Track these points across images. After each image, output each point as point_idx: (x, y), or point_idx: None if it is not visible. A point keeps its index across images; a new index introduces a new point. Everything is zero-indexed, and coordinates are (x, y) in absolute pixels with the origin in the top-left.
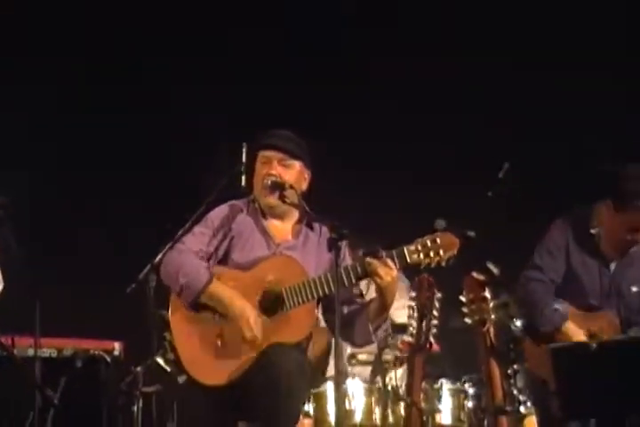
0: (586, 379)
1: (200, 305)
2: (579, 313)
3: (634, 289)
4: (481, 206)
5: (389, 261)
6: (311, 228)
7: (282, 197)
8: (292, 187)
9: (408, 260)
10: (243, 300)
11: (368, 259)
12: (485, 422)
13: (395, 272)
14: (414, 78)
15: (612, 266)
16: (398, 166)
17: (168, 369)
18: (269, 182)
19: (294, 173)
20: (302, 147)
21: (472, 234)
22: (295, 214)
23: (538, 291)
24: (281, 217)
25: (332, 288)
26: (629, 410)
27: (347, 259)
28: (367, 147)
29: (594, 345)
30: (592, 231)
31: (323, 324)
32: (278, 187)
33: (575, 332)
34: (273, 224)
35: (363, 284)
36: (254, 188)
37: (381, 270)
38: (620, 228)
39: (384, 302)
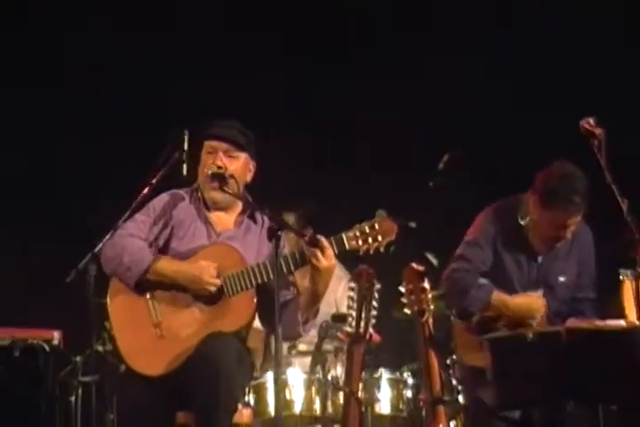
0: (523, 368)
1: (145, 287)
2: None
3: (561, 279)
4: (421, 197)
5: (329, 249)
6: (254, 218)
7: (222, 187)
8: (232, 177)
9: (347, 246)
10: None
11: (306, 246)
12: (424, 412)
13: (333, 259)
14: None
15: (540, 257)
16: (341, 156)
17: (108, 359)
18: (210, 173)
19: (240, 164)
20: (249, 138)
21: (413, 224)
22: (239, 206)
23: (464, 278)
24: (225, 209)
25: (271, 276)
26: (566, 398)
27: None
28: (309, 135)
29: (530, 335)
30: (521, 222)
31: None
32: (219, 177)
33: (505, 298)
34: (216, 214)
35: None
36: (199, 177)
37: (320, 256)
38: (547, 224)
39: (316, 292)
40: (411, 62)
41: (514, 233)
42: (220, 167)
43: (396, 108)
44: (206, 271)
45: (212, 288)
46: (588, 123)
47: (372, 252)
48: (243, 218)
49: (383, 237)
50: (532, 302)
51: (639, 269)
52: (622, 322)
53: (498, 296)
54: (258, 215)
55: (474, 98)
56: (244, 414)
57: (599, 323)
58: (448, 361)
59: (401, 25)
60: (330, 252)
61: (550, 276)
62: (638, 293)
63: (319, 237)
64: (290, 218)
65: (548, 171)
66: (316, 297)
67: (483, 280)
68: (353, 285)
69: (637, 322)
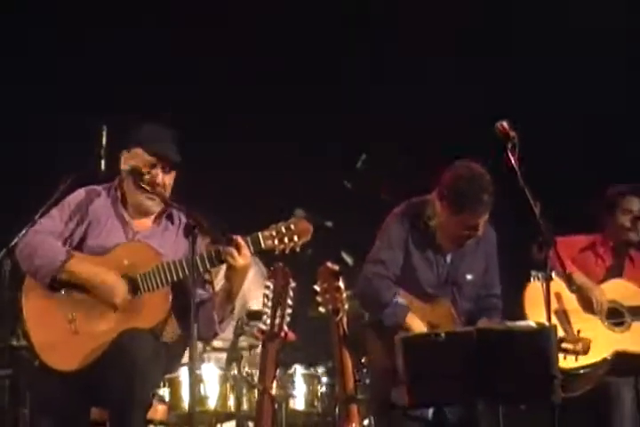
0: (435, 368)
1: (58, 285)
2: (418, 304)
3: (469, 277)
4: (338, 196)
5: (244, 247)
6: (172, 217)
7: (137, 184)
8: (164, 189)
9: (263, 245)
10: (104, 268)
11: (222, 245)
12: (337, 410)
13: (249, 258)
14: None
15: (449, 257)
16: (259, 155)
17: (22, 354)
18: (147, 187)
19: (172, 177)
20: (181, 148)
21: (329, 224)
22: (160, 205)
23: (382, 288)
24: (146, 211)
25: (187, 273)
26: (477, 398)
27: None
28: (226, 133)
29: (442, 335)
30: (429, 223)
31: None
32: (135, 173)
33: (417, 325)
34: (133, 213)
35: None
36: (125, 181)
37: (236, 254)
38: (456, 226)
39: (231, 291)
40: (326, 60)
41: (422, 234)
42: (158, 184)
43: (314, 107)
44: (116, 290)
45: (117, 303)
46: (502, 125)
47: (287, 252)
48: (162, 217)
49: (299, 238)
50: (440, 315)
51: (549, 271)
52: (532, 323)
53: (411, 322)
54: (175, 214)
55: (389, 98)
56: (158, 410)
57: (509, 323)
58: (363, 360)
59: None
60: (246, 251)
61: (459, 274)
62: (548, 294)
63: (235, 236)
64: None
65: (453, 174)
66: (230, 296)
67: (401, 300)
68: (268, 283)
69: (547, 323)
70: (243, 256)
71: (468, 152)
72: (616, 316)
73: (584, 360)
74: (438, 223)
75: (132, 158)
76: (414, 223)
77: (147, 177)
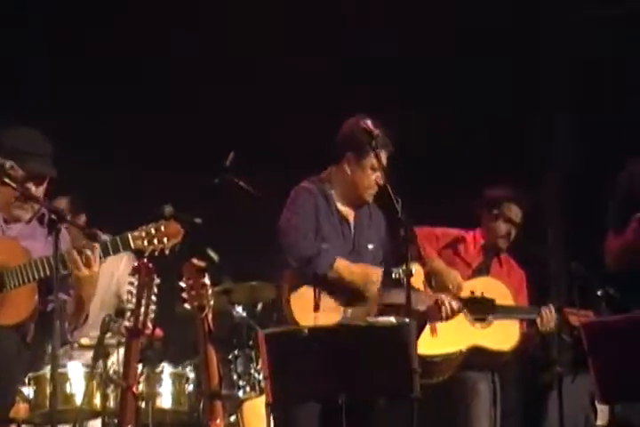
0: (298, 364)
1: None
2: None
3: (370, 247)
4: (207, 193)
5: (91, 255)
6: (43, 215)
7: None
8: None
9: (132, 246)
10: None
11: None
12: (201, 406)
13: (95, 268)
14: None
15: (352, 226)
16: (127, 153)
17: None
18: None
19: (45, 184)
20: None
21: (199, 221)
22: (32, 211)
23: (305, 247)
24: (17, 219)
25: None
26: (340, 391)
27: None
28: (95, 129)
29: (305, 331)
30: (329, 192)
31: None
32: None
33: (348, 264)
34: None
35: None
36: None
37: (80, 263)
38: (363, 174)
39: (81, 299)
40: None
41: (327, 205)
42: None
43: (183, 106)
44: None
45: None
46: (366, 123)
47: (157, 253)
48: (34, 215)
49: (168, 239)
50: (371, 272)
51: (411, 267)
52: (392, 319)
53: (341, 261)
54: (47, 213)
55: (258, 95)
56: (21, 409)
57: (371, 319)
58: (230, 356)
59: None
60: (93, 261)
61: (362, 243)
62: (409, 291)
63: (99, 233)
64: (62, 202)
65: (348, 124)
66: (80, 304)
67: (324, 245)
68: (132, 279)
69: (407, 319)
70: (88, 266)
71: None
72: (481, 311)
73: (440, 349)
74: (343, 187)
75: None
76: (319, 195)
77: (19, 191)
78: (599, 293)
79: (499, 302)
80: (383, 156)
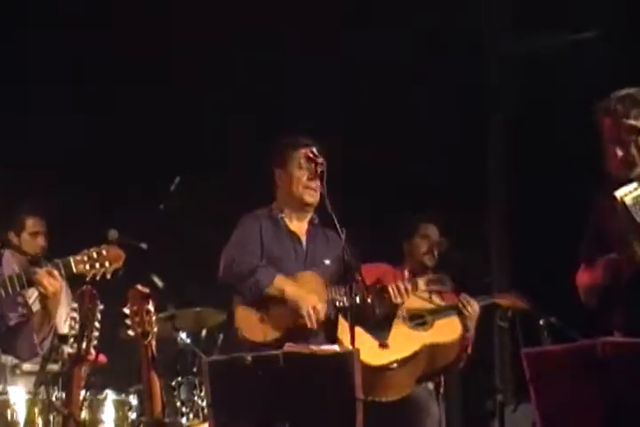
0: (241, 392)
1: None
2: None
3: (327, 262)
4: (152, 218)
5: (54, 271)
6: None
7: None
8: None
9: (74, 269)
10: None
11: (32, 267)
12: None
13: (59, 282)
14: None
15: (304, 242)
16: (75, 174)
17: None
18: None
19: None
20: None
21: (144, 246)
22: None
23: (242, 264)
24: None
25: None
26: (283, 420)
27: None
28: (37, 150)
29: (249, 358)
30: (278, 217)
31: None
32: None
33: (285, 283)
34: None
35: None
36: None
37: (45, 280)
38: (300, 177)
39: (48, 313)
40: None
41: (275, 226)
42: None
43: (128, 129)
44: None
45: None
46: (312, 151)
47: (98, 277)
48: None
49: (110, 264)
50: (304, 297)
51: (354, 297)
52: (336, 347)
53: (280, 280)
54: None
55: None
56: None
57: (314, 347)
58: (174, 383)
59: None
60: (54, 278)
61: (317, 258)
62: (353, 321)
63: (45, 261)
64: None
65: (278, 143)
66: (47, 317)
67: (262, 263)
68: (75, 305)
69: (350, 347)
70: (53, 281)
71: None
72: (417, 318)
73: (395, 355)
74: (285, 199)
75: None
76: (264, 219)
77: None
78: (541, 322)
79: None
80: (304, 153)
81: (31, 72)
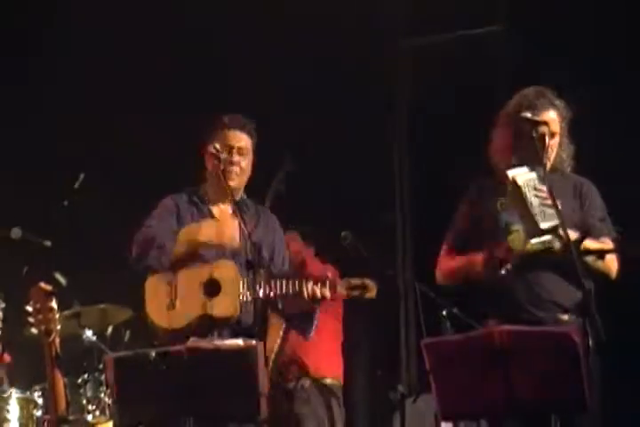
0: (145, 388)
1: None
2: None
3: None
4: (56, 215)
5: None
6: None
7: None
8: None
9: None
10: None
11: None
12: None
13: None
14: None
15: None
16: None
17: None
18: None
19: None
20: None
21: (48, 243)
22: None
23: (146, 239)
24: None
25: None
26: (188, 415)
27: None
28: None
29: (152, 354)
30: (204, 197)
31: None
32: None
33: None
34: None
35: None
36: None
37: None
38: (219, 157)
39: None
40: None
41: (195, 207)
42: None
43: (31, 124)
44: None
45: None
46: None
47: None
48: None
49: None
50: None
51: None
52: (240, 341)
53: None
54: None
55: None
56: None
57: (218, 342)
58: (80, 380)
59: None
60: None
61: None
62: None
63: None
64: None
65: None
66: None
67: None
68: None
69: (254, 341)
70: None
71: None
72: None
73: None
74: (212, 179)
75: None
76: (182, 200)
77: None
78: (444, 312)
79: None
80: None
81: None
